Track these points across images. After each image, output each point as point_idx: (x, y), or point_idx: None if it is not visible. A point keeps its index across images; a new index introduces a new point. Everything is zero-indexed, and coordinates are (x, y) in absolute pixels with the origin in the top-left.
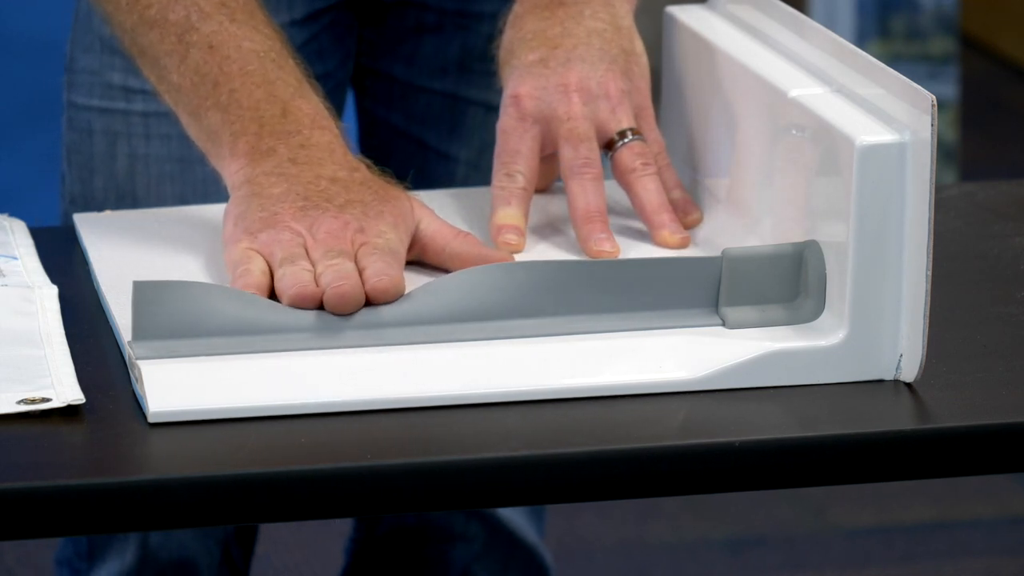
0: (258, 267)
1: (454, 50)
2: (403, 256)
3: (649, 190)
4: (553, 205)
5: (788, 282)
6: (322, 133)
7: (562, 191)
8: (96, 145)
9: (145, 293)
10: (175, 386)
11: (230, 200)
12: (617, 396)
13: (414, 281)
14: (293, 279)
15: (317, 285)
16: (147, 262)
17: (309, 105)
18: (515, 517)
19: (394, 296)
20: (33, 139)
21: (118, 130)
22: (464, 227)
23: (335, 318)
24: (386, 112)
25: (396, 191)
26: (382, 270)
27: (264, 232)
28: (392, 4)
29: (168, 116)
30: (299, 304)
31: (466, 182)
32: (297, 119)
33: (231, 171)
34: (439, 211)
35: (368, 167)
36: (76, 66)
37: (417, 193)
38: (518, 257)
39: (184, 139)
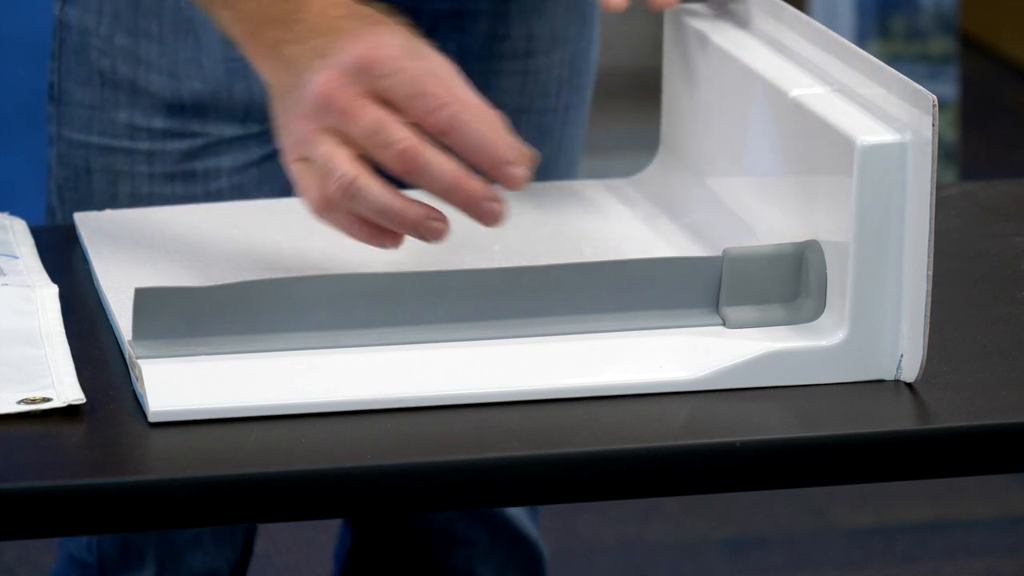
0: (314, 189)
1: (451, 52)
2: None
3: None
4: (551, 205)
5: (788, 282)
6: (321, 1)
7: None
8: (95, 183)
9: (146, 299)
10: (175, 386)
11: (273, 110)
12: (617, 396)
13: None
14: (364, 203)
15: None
16: (147, 261)
17: None
18: (517, 512)
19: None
20: (32, 139)
21: (120, 169)
22: (475, 227)
23: (334, 318)
24: None
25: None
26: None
27: (290, 136)
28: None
29: (171, 155)
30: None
31: None
32: None
33: (263, 80)
34: (448, 211)
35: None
36: (69, 99)
37: (414, 192)
38: (518, 258)
39: (187, 178)
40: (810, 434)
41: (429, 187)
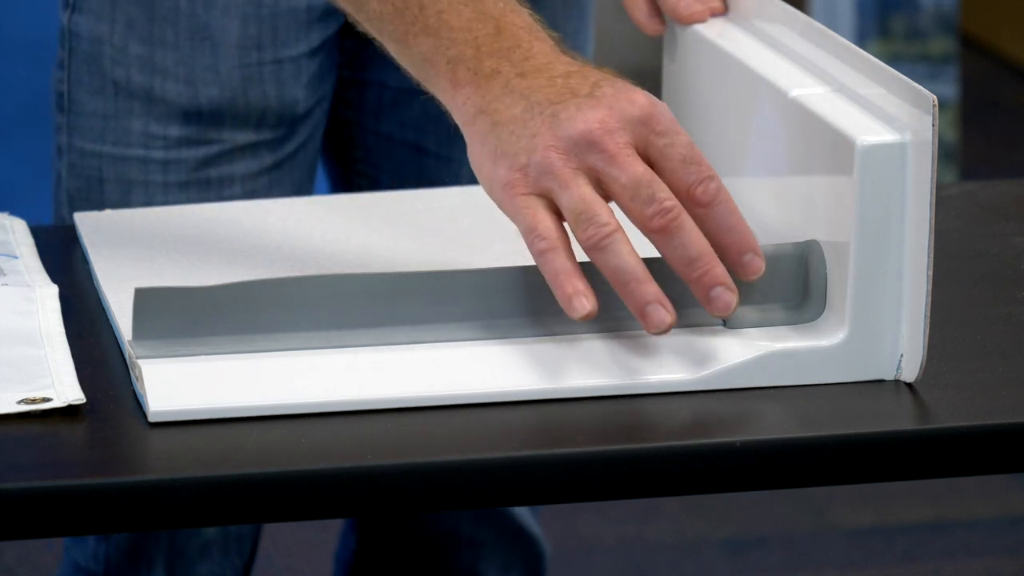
0: (550, 230)
1: None
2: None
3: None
4: None
5: (789, 282)
6: (541, 43)
7: None
8: (108, 193)
9: (146, 299)
10: (175, 386)
11: (469, 139)
12: (617, 396)
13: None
14: (615, 257)
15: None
16: (147, 261)
17: (521, 19)
18: (521, 509)
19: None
20: (33, 139)
21: (133, 178)
22: (475, 227)
23: (334, 318)
24: (375, 122)
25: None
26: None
27: (532, 165)
28: None
29: (186, 163)
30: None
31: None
32: (513, 34)
33: (457, 104)
34: (450, 211)
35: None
36: (80, 109)
37: (421, 192)
38: (518, 258)
39: (201, 186)
40: (810, 434)
41: (676, 253)
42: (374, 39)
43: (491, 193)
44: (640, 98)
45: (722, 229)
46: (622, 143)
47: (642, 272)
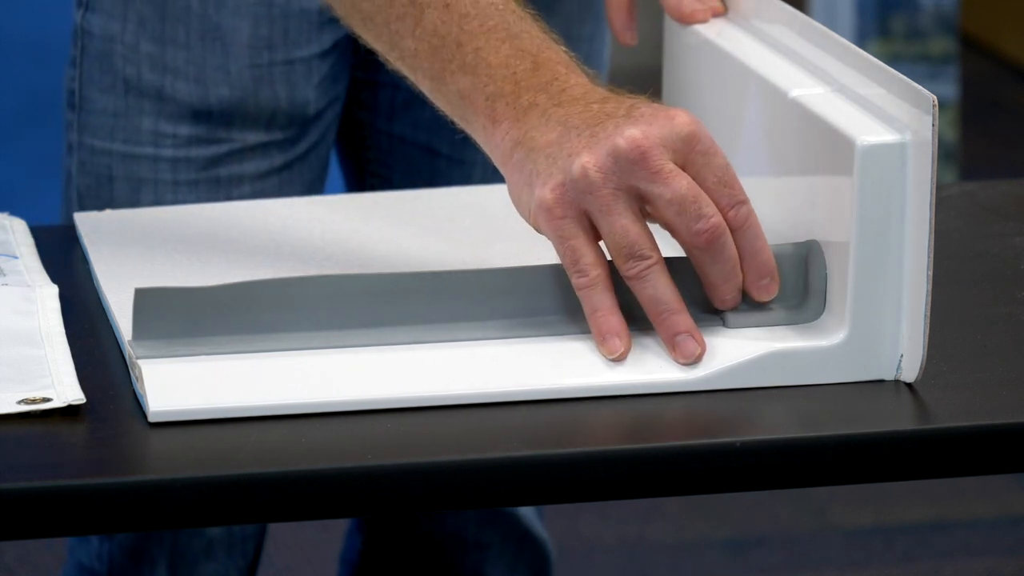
0: (591, 265)
1: None
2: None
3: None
4: None
5: (789, 282)
6: (578, 77)
7: None
8: (117, 191)
9: (146, 299)
10: (175, 386)
11: (508, 174)
12: (617, 396)
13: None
14: (652, 288)
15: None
16: (147, 261)
17: (558, 55)
18: (527, 512)
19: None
20: (33, 139)
21: (143, 176)
22: (476, 227)
23: (334, 318)
24: (388, 123)
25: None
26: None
27: (568, 184)
28: None
29: (196, 162)
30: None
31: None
32: (550, 69)
33: (496, 140)
34: (451, 211)
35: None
36: (91, 107)
37: (422, 193)
38: (519, 258)
39: (210, 185)
40: (810, 434)
41: (716, 268)
42: (406, 77)
43: (529, 218)
44: (682, 116)
45: (748, 252)
46: (664, 158)
47: (677, 303)
